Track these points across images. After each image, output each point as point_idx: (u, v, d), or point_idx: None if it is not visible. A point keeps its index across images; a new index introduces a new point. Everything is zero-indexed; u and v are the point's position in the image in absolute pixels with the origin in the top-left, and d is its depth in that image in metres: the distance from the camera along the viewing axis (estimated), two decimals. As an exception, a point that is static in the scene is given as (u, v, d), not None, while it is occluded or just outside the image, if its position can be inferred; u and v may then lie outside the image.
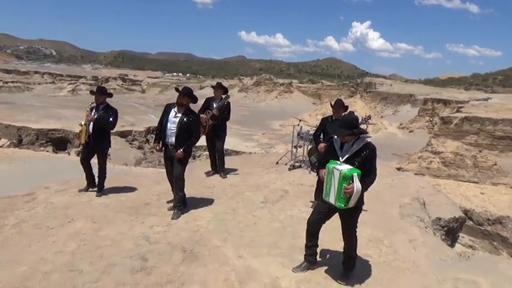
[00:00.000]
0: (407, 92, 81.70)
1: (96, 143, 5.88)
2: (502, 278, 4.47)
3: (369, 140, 3.85)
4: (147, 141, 48.71)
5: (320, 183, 5.97)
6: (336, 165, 3.67)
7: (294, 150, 8.65)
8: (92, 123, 5.78)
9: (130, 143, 46.90)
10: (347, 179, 3.52)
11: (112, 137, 6.49)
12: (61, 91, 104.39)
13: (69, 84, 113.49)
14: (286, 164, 8.60)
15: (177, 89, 5.29)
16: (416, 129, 58.76)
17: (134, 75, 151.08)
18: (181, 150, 5.07)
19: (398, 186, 7.75)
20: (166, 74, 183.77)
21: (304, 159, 8.35)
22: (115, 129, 6.83)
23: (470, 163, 31.57)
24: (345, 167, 3.59)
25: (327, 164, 3.74)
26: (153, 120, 59.07)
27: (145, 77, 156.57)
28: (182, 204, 5.27)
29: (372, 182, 3.75)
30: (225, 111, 7.12)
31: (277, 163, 8.78)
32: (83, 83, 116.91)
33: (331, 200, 3.66)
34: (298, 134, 8.32)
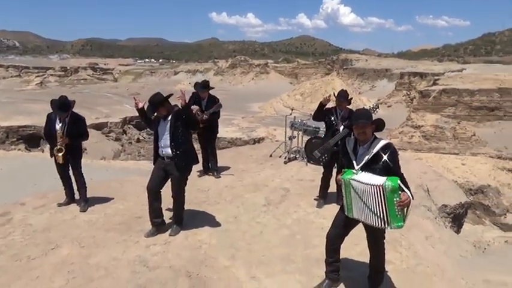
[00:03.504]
0: (383, 66, 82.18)
1: (70, 156, 5.34)
2: (531, 275, 4.22)
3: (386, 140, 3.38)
4: (125, 132, 47.38)
5: (325, 181, 5.60)
6: (352, 175, 3.20)
7: (288, 141, 8.18)
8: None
9: (106, 135, 45.45)
10: (396, 190, 2.98)
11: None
12: (28, 84, 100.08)
13: (36, 76, 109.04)
14: (280, 157, 8.15)
15: (149, 109, 4.43)
16: (394, 104, 59.29)
17: (105, 64, 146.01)
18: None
19: (400, 173, 7.45)
20: (138, 61, 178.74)
21: (299, 149, 7.92)
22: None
23: (450, 135, 32.07)
24: (379, 180, 3.04)
25: (342, 176, 3.27)
26: (129, 110, 57.23)
27: (117, 64, 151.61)
28: (182, 220, 4.73)
29: None
30: (215, 113, 6.69)
31: (270, 156, 8.32)
32: (52, 75, 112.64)
33: (361, 217, 3.18)
34: (292, 125, 7.84)
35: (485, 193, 26.24)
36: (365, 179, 3.13)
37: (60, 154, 5.21)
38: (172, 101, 4.56)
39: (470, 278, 4.03)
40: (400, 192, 2.97)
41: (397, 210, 2.97)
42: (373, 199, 3.04)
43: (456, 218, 6.83)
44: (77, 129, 5.28)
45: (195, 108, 6.28)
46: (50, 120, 5.31)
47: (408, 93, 62.09)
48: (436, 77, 57.71)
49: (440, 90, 45.32)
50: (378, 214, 3.03)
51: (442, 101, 44.63)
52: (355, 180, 3.16)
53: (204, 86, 6.64)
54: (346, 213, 3.29)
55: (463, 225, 7.73)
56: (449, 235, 5.38)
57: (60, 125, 5.20)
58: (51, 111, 5.29)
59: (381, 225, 3.06)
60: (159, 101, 4.34)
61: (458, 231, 6.89)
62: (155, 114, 4.51)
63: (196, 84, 6.78)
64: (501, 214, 24.85)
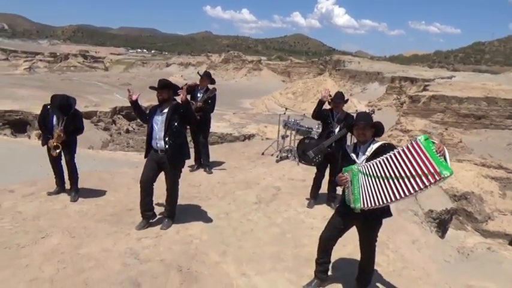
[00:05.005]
0: (375, 69, 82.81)
1: (65, 148, 5.28)
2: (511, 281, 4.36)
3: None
4: (114, 122, 46.89)
5: (317, 182, 5.65)
6: (357, 165, 3.25)
7: (281, 140, 8.24)
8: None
9: (95, 125, 44.91)
10: (428, 139, 2.89)
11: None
12: (16, 69, 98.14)
13: (25, 61, 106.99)
14: (272, 155, 8.20)
15: (152, 87, 4.55)
16: (384, 107, 59.88)
17: (96, 52, 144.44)
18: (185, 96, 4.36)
19: (389, 177, 7.57)
20: (130, 51, 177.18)
21: (291, 149, 7.98)
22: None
23: (437, 141, 32.47)
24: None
25: (347, 167, 3.28)
26: (119, 100, 56.64)
27: (108, 53, 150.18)
28: (174, 214, 4.74)
29: None
30: (210, 102, 6.67)
31: (262, 154, 8.36)
32: (41, 60, 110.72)
33: (376, 201, 3.06)
34: (285, 124, 7.89)
35: (468, 200, 26.71)
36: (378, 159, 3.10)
37: (57, 151, 5.16)
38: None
39: (454, 282, 4.15)
40: (432, 142, 2.87)
41: (439, 157, 2.79)
42: (406, 162, 2.91)
43: (441, 224, 6.97)
44: (74, 125, 5.25)
45: (193, 84, 6.56)
46: (47, 113, 5.22)
47: (398, 97, 62.79)
48: (426, 83, 58.56)
49: (430, 96, 46.08)
50: (420, 172, 2.84)
51: (431, 106, 45.41)
52: (364, 165, 3.16)
53: (209, 74, 6.81)
54: (353, 205, 3.20)
55: (447, 231, 7.91)
56: (434, 240, 5.51)
57: (59, 121, 5.12)
58: (46, 101, 5.23)
59: (424, 184, 2.83)
60: (167, 83, 4.41)
61: (443, 236, 7.04)
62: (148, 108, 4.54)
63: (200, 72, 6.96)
64: (483, 221, 25.37)
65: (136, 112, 4.73)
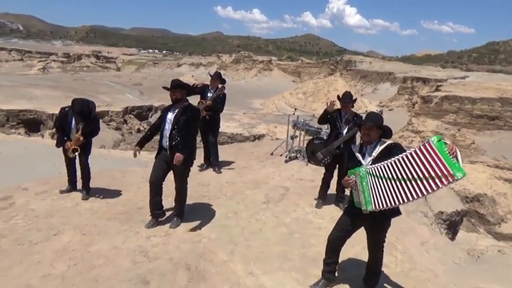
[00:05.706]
0: (386, 70, 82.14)
1: (81, 150, 5.38)
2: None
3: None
4: (125, 122, 47.35)
5: (326, 182, 5.65)
6: (364, 167, 3.24)
7: (290, 140, 8.25)
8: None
9: (107, 124, 45.40)
10: (441, 140, 2.88)
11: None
12: (31, 69, 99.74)
13: (39, 61, 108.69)
14: (281, 155, 8.21)
15: (165, 87, 4.66)
16: (395, 108, 59.34)
17: (108, 52, 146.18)
18: (181, 154, 4.39)
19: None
20: (141, 51, 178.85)
21: (300, 149, 7.98)
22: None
23: (449, 142, 32.13)
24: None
25: (355, 169, 3.26)
26: (130, 100, 57.32)
27: (120, 53, 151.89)
28: (183, 213, 4.80)
29: None
30: (219, 101, 6.70)
31: (272, 154, 8.38)
32: (54, 61, 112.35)
33: (386, 202, 3.06)
34: (294, 125, 7.90)
35: (481, 201, 26.29)
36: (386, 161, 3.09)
37: (76, 153, 5.28)
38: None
39: (462, 284, 4.12)
40: (444, 143, 2.84)
41: (452, 158, 2.78)
42: (418, 164, 2.90)
43: (452, 225, 6.91)
44: (92, 128, 5.37)
45: (199, 84, 6.82)
46: (65, 117, 5.32)
47: (410, 97, 62.16)
48: (438, 83, 57.89)
49: (442, 97, 45.57)
50: (433, 173, 2.83)
51: (443, 107, 44.91)
52: (373, 167, 3.14)
53: (219, 75, 6.88)
54: (364, 208, 3.19)
55: (458, 233, 7.83)
56: (444, 242, 5.47)
57: (77, 125, 5.24)
58: (59, 101, 5.32)
59: (437, 186, 2.84)
60: (179, 83, 4.54)
61: (453, 238, 6.97)
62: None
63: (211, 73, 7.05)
64: (495, 223, 24.95)
65: (151, 138, 4.92)
